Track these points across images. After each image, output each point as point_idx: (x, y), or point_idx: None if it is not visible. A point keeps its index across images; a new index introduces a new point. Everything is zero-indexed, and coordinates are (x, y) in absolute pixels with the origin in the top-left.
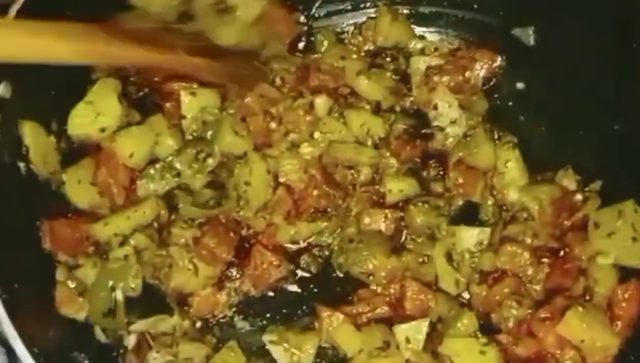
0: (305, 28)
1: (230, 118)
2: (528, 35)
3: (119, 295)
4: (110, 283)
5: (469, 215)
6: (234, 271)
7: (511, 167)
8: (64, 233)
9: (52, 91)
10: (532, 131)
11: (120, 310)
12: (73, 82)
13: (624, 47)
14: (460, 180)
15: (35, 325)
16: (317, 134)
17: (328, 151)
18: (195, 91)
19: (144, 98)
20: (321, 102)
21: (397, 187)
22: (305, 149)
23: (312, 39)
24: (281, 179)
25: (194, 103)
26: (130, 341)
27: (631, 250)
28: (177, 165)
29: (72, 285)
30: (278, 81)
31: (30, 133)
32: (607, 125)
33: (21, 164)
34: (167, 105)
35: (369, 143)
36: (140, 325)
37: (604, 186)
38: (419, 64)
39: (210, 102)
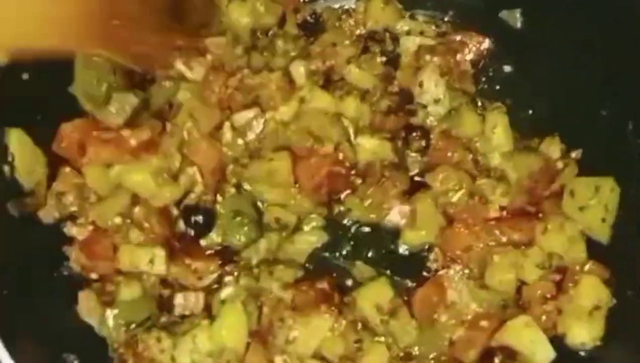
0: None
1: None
2: (515, 18)
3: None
4: None
5: None
6: None
7: (498, 132)
8: None
9: None
10: (518, 115)
11: None
12: None
13: (611, 30)
14: (441, 144)
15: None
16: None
17: (299, 119)
18: None
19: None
20: (301, 71)
21: (368, 143)
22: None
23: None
24: None
25: None
26: None
27: (599, 229)
28: None
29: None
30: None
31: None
32: (593, 110)
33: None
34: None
35: (360, 124)
36: None
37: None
38: (409, 43)
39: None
